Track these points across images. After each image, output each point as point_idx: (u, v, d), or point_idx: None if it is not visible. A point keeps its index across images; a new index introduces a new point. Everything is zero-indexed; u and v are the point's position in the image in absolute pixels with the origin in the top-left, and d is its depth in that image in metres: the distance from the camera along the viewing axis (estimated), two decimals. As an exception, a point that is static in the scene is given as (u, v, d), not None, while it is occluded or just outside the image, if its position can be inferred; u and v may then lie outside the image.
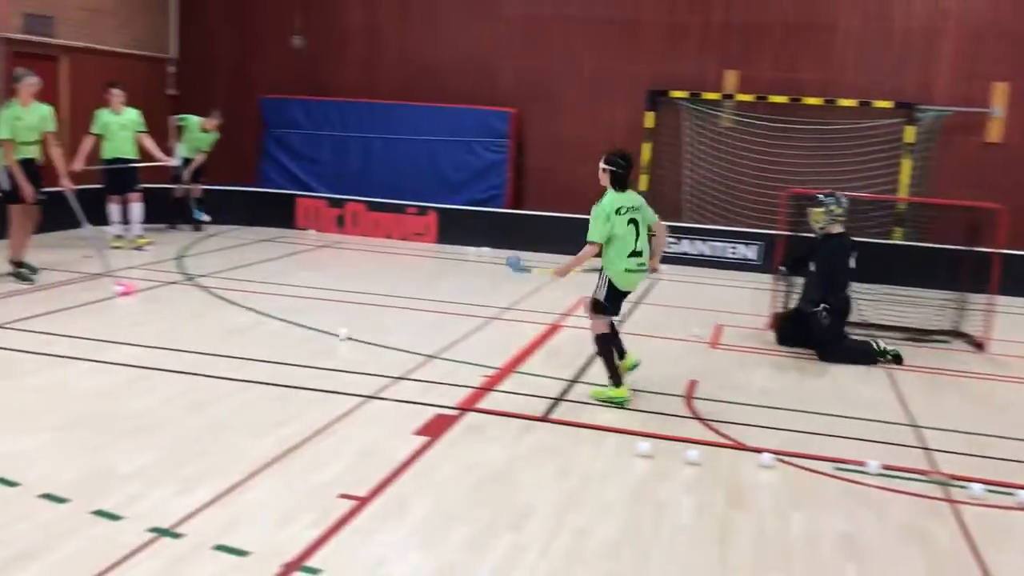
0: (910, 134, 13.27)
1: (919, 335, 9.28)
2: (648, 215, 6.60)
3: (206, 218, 13.54)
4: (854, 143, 13.52)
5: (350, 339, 7.75)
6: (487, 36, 14.97)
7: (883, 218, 13.33)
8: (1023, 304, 11.35)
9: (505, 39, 14.91)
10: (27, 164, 9.23)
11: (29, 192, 9.14)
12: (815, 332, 8.30)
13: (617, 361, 6.50)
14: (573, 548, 4.18)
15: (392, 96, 15.18)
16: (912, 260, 12.18)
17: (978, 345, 8.96)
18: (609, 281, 6.45)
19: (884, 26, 13.52)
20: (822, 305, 8.27)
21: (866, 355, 8.24)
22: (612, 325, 6.63)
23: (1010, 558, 4.39)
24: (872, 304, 10.29)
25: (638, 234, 6.42)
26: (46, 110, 9.38)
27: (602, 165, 6.59)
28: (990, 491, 5.14)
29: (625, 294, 6.59)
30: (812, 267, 8.54)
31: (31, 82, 9.26)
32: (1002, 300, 9.50)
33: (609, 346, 6.52)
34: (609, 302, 6.50)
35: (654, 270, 6.74)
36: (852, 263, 8.41)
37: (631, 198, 6.51)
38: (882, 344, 8.35)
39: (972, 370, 8.20)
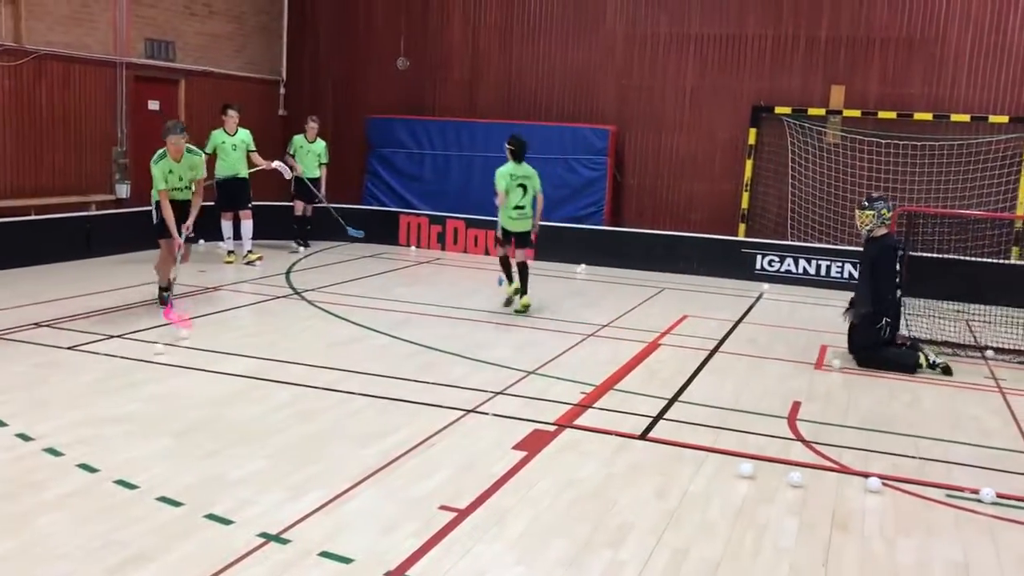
0: (1032, 149, 12.73)
1: (1038, 358, 8.87)
2: (535, 184, 9.99)
3: (358, 233, 13.85)
4: (967, 159, 13.04)
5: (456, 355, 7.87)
6: (587, 53, 15.04)
7: (1000, 236, 12.80)
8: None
9: (606, 56, 14.96)
10: (177, 205, 9.16)
11: (176, 238, 8.97)
12: (859, 337, 8.27)
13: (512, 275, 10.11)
14: (671, 567, 4.15)
15: (492, 115, 15.39)
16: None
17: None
18: (499, 223, 9.93)
19: (999, 39, 13.02)
20: (885, 320, 8.20)
21: (906, 366, 8.15)
22: (506, 255, 10.10)
23: None
24: (987, 325, 9.92)
25: (523, 195, 9.83)
26: (197, 160, 9.30)
27: (506, 145, 9.96)
28: (1117, 524, 4.88)
29: (514, 233, 9.93)
30: (858, 272, 8.40)
31: (173, 140, 8.99)
32: None
33: (506, 264, 10.18)
34: (504, 237, 9.98)
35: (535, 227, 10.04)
36: (898, 266, 8.34)
37: (523, 169, 9.93)
38: (932, 357, 8.22)
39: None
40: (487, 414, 6.27)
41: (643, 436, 6.02)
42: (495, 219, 14.46)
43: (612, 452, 5.65)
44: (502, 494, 4.88)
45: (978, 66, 13.15)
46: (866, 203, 8.45)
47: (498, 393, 6.78)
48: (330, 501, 4.68)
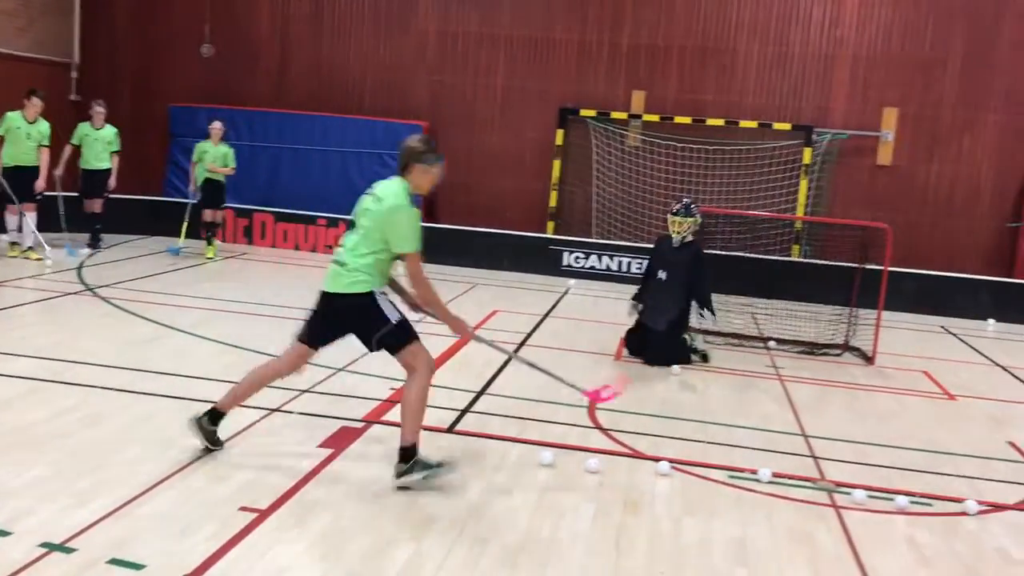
0: (807, 156, 13.83)
1: (813, 348, 9.67)
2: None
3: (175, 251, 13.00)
4: (755, 163, 14.03)
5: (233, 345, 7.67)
6: (400, 48, 15.03)
7: (782, 236, 13.85)
8: (907, 319, 11.91)
9: (418, 52, 15.00)
10: None
11: None
12: (673, 341, 8.57)
13: None
14: (471, 557, 4.25)
15: (303, 107, 15.10)
16: (808, 276, 12.70)
17: (867, 358, 9.38)
18: None
19: (783, 51, 14.08)
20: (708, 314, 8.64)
21: (689, 354, 8.70)
22: None
23: (887, 560, 4.64)
24: (770, 318, 10.70)
25: None
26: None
27: None
28: (871, 497, 5.41)
29: None
30: (665, 276, 8.68)
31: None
32: (888, 316, 9.96)
33: None
34: None
35: None
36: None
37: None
38: (695, 343, 8.91)
39: (860, 382, 8.58)
40: (292, 412, 6.17)
41: (450, 429, 6.11)
42: (305, 212, 14.34)
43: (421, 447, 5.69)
44: (305, 492, 4.83)
45: (764, 76, 14.16)
46: (683, 210, 8.67)
47: (305, 391, 6.68)
48: (121, 507, 4.47)
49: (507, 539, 4.48)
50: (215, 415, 5.29)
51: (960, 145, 13.84)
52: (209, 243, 13.08)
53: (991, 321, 12.41)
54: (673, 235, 8.72)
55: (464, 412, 6.51)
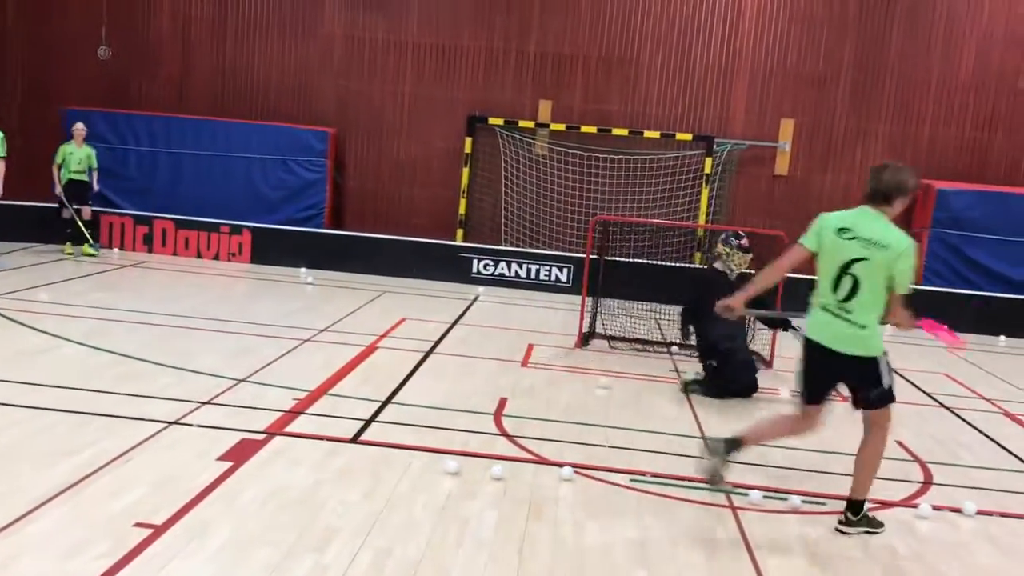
0: (708, 165, 14.20)
1: (714, 353, 9.90)
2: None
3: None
4: (658, 172, 14.33)
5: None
6: (305, 54, 14.86)
7: (684, 244, 14.18)
8: (801, 323, 12.28)
9: (324, 58, 14.85)
10: None
11: None
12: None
13: None
14: (374, 567, 4.23)
15: (205, 112, 14.77)
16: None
17: (765, 362, 9.67)
18: None
19: (685, 63, 14.43)
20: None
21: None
22: None
23: (780, 559, 4.79)
24: (673, 323, 10.91)
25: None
26: None
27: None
28: (767, 497, 5.59)
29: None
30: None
31: None
32: (787, 320, 10.31)
33: None
34: None
35: None
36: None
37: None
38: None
39: (761, 385, 8.82)
40: (191, 425, 6.03)
41: (355, 439, 6.07)
42: (208, 219, 14.01)
43: (322, 457, 5.65)
44: (203, 507, 4.73)
45: (667, 87, 14.49)
46: (746, 248, 8.53)
47: (204, 403, 6.54)
48: (8, 525, 4.30)
49: (410, 548, 4.47)
50: (734, 444, 5.07)
51: (853, 155, 14.42)
52: (83, 242, 13.03)
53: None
54: (736, 270, 8.58)
55: (369, 422, 6.47)
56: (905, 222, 14.15)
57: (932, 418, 8.12)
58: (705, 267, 8.74)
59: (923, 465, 6.61)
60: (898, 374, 9.87)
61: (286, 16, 14.84)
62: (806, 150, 14.42)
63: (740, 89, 14.42)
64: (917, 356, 11.07)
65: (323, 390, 7.19)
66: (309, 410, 6.63)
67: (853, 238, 4.82)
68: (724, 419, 7.48)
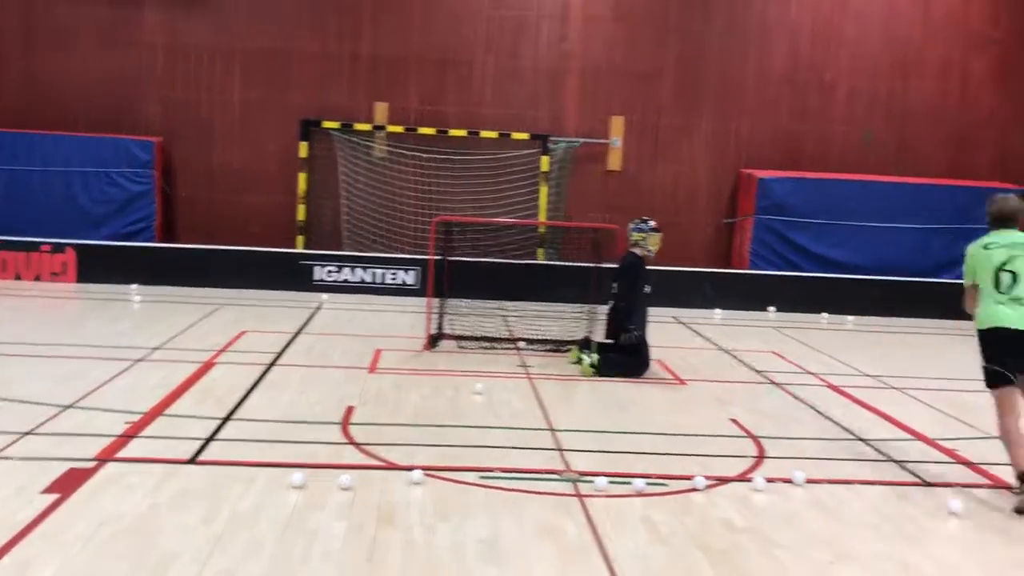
0: (545, 163, 14.46)
1: (559, 345, 10.08)
2: None
3: None
4: (497, 172, 14.48)
5: None
6: (125, 63, 14.16)
7: (526, 241, 14.39)
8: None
9: (146, 67, 14.21)
10: None
11: None
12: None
13: None
14: (217, 590, 4.09)
15: (10, 123, 13.81)
16: (552, 278, 13.27)
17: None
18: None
19: (517, 64, 14.64)
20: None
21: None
22: None
23: (626, 541, 4.92)
24: (519, 320, 11.09)
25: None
26: None
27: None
28: (612, 482, 5.73)
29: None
30: (648, 288, 9.01)
31: None
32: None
33: None
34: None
35: None
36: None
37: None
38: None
39: (601, 375, 9.08)
40: (10, 459, 5.62)
41: (193, 460, 5.83)
42: (27, 238, 13.11)
43: (158, 482, 5.39)
44: (25, 545, 4.41)
45: (501, 88, 14.66)
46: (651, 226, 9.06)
47: (26, 433, 6.12)
48: None
49: (254, 568, 4.32)
50: None
51: (679, 149, 15.02)
52: None
53: (717, 311, 13.52)
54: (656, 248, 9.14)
55: (208, 441, 6.22)
56: (730, 211, 14.91)
57: (763, 395, 8.55)
58: (626, 255, 9.09)
59: (756, 440, 6.94)
60: (731, 355, 10.38)
61: (102, 25, 14.10)
62: (636, 146, 14.91)
63: (571, 88, 14.75)
64: (748, 336, 11.66)
65: (158, 411, 6.87)
66: (143, 433, 6.32)
67: (999, 247, 6.01)
68: (570, 408, 7.65)
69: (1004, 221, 6.15)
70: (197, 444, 6.12)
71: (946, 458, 6.75)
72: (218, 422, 6.67)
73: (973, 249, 6.19)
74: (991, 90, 15.38)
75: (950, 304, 13.76)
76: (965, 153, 15.43)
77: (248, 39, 14.27)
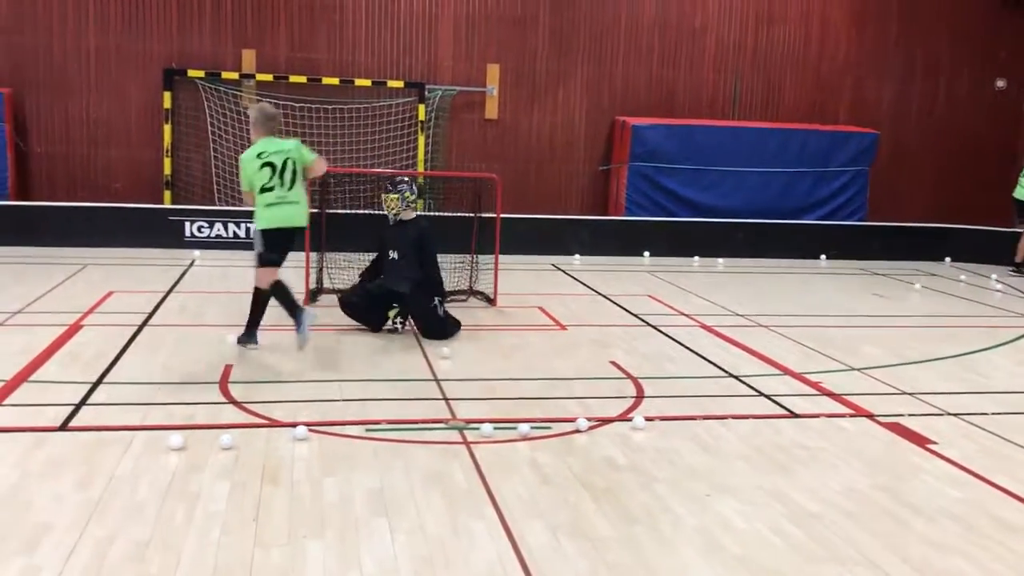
0: (422, 112, 14.29)
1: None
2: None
3: None
4: (373, 121, 14.22)
5: None
6: (-36, 6, 13.16)
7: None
8: (522, 260, 12.83)
9: (-13, 11, 13.25)
10: None
11: None
12: (432, 319, 8.37)
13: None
14: (95, 559, 3.95)
15: None
16: (434, 228, 13.14)
17: (489, 300, 10.01)
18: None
19: (389, 9, 14.32)
20: (437, 299, 8.46)
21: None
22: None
23: (513, 484, 5.02)
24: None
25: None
26: None
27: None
28: (498, 428, 5.81)
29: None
30: (396, 255, 8.60)
31: None
32: (505, 259, 10.70)
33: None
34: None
35: None
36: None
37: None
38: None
39: (485, 323, 9.15)
40: None
41: (63, 427, 5.59)
42: None
43: (26, 451, 5.15)
44: None
45: (374, 34, 14.33)
46: (390, 187, 8.52)
47: None
48: None
49: (136, 533, 4.21)
50: None
51: (555, 97, 15.07)
52: None
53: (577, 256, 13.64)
54: (388, 213, 8.60)
55: (79, 407, 5.97)
56: (606, 158, 15.12)
57: (641, 337, 8.79)
58: (418, 216, 8.86)
59: (635, 381, 7.15)
60: (609, 299, 10.61)
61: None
62: (513, 94, 14.86)
63: (446, 35, 14.55)
64: (625, 281, 11.94)
65: (22, 377, 6.54)
66: (7, 401, 6.02)
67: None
68: (454, 357, 7.67)
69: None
70: (67, 410, 5.87)
71: (812, 390, 7.12)
72: (88, 386, 6.40)
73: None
74: (847, 37, 16.00)
75: (814, 243, 14.53)
76: (826, 98, 16.06)
77: (99, -19, 13.47)
